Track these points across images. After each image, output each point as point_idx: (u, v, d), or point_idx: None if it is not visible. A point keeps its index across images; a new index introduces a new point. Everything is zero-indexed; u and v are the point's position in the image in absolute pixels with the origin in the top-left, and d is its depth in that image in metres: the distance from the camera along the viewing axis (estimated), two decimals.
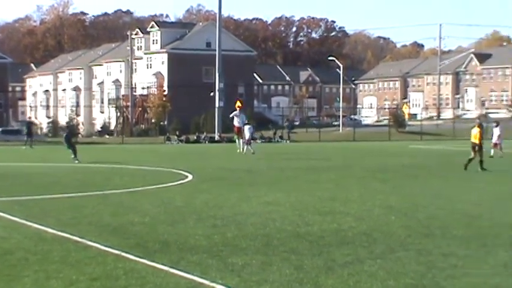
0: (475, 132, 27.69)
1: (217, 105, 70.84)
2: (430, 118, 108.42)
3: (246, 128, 40.44)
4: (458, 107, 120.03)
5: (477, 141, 27.46)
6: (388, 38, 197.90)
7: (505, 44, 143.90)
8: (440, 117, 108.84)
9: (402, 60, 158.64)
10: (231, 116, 42.93)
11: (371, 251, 11.06)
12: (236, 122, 41.45)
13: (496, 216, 14.97)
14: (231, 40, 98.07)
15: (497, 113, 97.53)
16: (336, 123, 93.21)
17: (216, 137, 68.10)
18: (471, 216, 14.84)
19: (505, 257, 10.63)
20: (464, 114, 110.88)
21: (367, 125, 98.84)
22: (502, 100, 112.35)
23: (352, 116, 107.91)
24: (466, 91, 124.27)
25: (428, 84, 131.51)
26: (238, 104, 45.66)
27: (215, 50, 72.90)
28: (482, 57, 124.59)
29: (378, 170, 28.63)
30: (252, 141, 41.83)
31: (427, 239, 12.11)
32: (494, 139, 38.04)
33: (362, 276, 9.29)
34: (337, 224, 13.66)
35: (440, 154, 41.79)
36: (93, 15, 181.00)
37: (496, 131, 38.28)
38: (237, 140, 43.10)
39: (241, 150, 40.51)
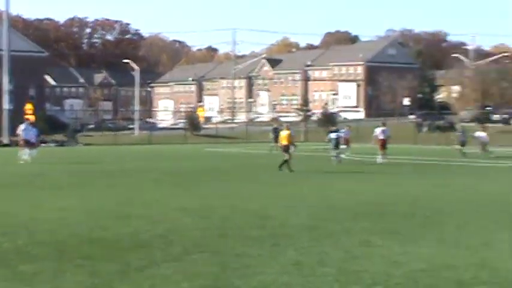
0: (284, 134, 29.36)
1: (5, 107, 67.71)
2: (225, 121, 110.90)
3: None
4: (252, 111, 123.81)
5: (286, 143, 28.94)
6: (184, 42, 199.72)
7: (294, 50, 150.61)
8: (235, 121, 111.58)
9: (197, 64, 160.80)
10: (17, 132, 39.71)
11: (167, 253, 11.12)
12: (25, 135, 38.36)
13: (286, 216, 15.61)
14: (20, 40, 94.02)
15: (288, 116, 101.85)
16: (131, 126, 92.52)
17: (5, 141, 65.06)
18: (264, 217, 15.37)
19: (295, 255, 11.13)
20: (257, 117, 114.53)
21: (163, 128, 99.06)
22: (292, 104, 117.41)
23: (148, 119, 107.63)
24: (259, 95, 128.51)
25: (223, 88, 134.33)
26: (28, 116, 42.57)
27: (2, 50, 69.66)
28: (274, 63, 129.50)
29: (174, 172, 28.84)
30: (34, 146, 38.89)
31: (221, 240, 12.38)
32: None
33: (157, 280, 9.32)
34: (133, 228, 13.59)
35: (235, 156, 42.89)
36: None
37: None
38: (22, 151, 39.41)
39: (25, 158, 37.26)
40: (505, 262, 10.63)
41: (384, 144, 36.76)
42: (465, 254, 11.24)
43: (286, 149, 29.45)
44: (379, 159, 35.91)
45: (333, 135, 36.00)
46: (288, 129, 30.25)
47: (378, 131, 37.36)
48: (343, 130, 41.17)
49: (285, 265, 10.38)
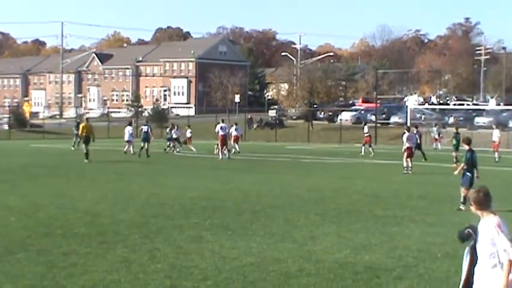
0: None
1: None
2: (53, 117, 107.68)
3: None
4: (82, 106, 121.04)
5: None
6: (8, 34, 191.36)
7: (125, 45, 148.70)
8: (64, 116, 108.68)
9: (23, 57, 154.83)
10: None
11: None
12: None
13: (115, 213, 15.39)
14: None
15: (119, 112, 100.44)
16: None
17: None
18: (92, 214, 15.06)
19: (123, 252, 10.99)
20: (87, 112, 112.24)
21: None
22: (124, 100, 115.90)
23: None
24: (89, 90, 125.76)
25: (51, 82, 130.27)
26: None
27: None
28: (104, 57, 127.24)
29: None
30: None
31: (48, 239, 12.00)
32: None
33: None
34: None
35: (63, 153, 41.70)
36: None
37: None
38: None
39: None
40: (330, 254, 11.06)
41: (223, 140, 36.95)
42: (292, 248, 11.57)
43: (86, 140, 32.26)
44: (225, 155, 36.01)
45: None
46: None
47: (218, 127, 37.78)
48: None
49: (114, 262, 10.22)
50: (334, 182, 23.39)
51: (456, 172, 17.47)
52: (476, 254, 6.33)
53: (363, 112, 72.00)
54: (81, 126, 35.02)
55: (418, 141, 34.60)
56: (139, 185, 21.78)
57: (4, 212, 15.26)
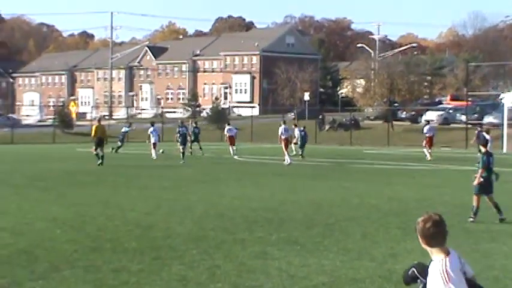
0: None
1: None
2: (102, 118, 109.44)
3: None
4: (133, 106, 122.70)
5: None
6: (53, 26, 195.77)
7: (181, 37, 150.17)
8: (113, 117, 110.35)
9: (69, 51, 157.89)
10: None
11: (32, 270, 10.85)
12: None
13: (170, 225, 15.54)
14: None
15: (174, 112, 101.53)
16: None
17: None
18: (144, 227, 15.24)
19: (180, 270, 11.08)
20: (139, 113, 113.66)
21: (28, 126, 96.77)
22: (179, 98, 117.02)
23: (10, 115, 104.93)
24: (141, 88, 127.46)
25: (99, 79, 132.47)
26: None
27: None
28: (158, 51, 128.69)
29: (40, 177, 28.21)
30: None
31: (96, 254, 12.19)
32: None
33: None
34: None
35: (112, 158, 42.31)
36: None
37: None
38: None
39: None
40: None
41: (287, 143, 37.49)
42: (370, 266, 11.48)
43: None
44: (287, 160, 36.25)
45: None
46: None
47: (281, 129, 37.95)
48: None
49: (169, 281, 10.32)
50: (419, 192, 23.14)
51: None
52: None
53: (451, 111, 71.08)
54: (93, 127, 36.75)
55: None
56: (196, 194, 21.95)
57: (48, 223, 15.58)
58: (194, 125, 46.71)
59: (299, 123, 51.74)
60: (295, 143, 42.94)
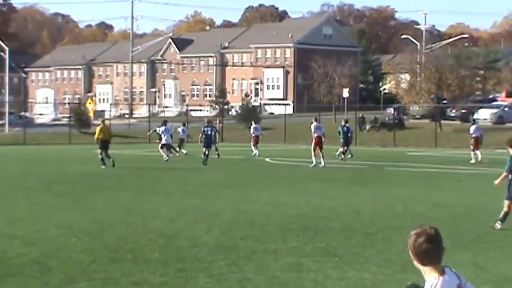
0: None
1: None
2: (122, 116, 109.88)
3: None
4: (155, 103, 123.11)
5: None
6: (69, 16, 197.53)
7: (207, 28, 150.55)
8: (134, 116, 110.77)
9: (86, 43, 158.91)
10: None
11: (45, 282, 10.95)
12: None
13: (195, 234, 15.59)
14: None
15: (201, 110, 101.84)
16: (0, 122, 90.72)
17: None
18: (168, 236, 15.30)
19: (206, 283, 11.12)
20: (162, 111, 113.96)
21: (42, 125, 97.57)
22: (206, 95, 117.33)
23: (22, 113, 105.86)
24: (164, 84, 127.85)
25: (119, 74, 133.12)
26: None
27: None
28: (182, 43, 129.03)
29: (55, 180, 28.44)
30: None
31: (115, 265, 12.27)
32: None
33: None
34: (1, 251, 13.32)
35: (132, 160, 42.57)
36: None
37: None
38: None
39: None
40: None
41: (318, 142, 36.82)
42: (415, 280, 11.42)
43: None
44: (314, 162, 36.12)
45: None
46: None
47: (313, 127, 37.63)
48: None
49: None
50: (468, 198, 23.02)
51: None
52: None
53: (506, 109, 70.53)
54: (97, 128, 37.89)
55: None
56: (223, 200, 22.00)
57: (64, 231, 15.69)
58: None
59: (337, 120, 51.62)
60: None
